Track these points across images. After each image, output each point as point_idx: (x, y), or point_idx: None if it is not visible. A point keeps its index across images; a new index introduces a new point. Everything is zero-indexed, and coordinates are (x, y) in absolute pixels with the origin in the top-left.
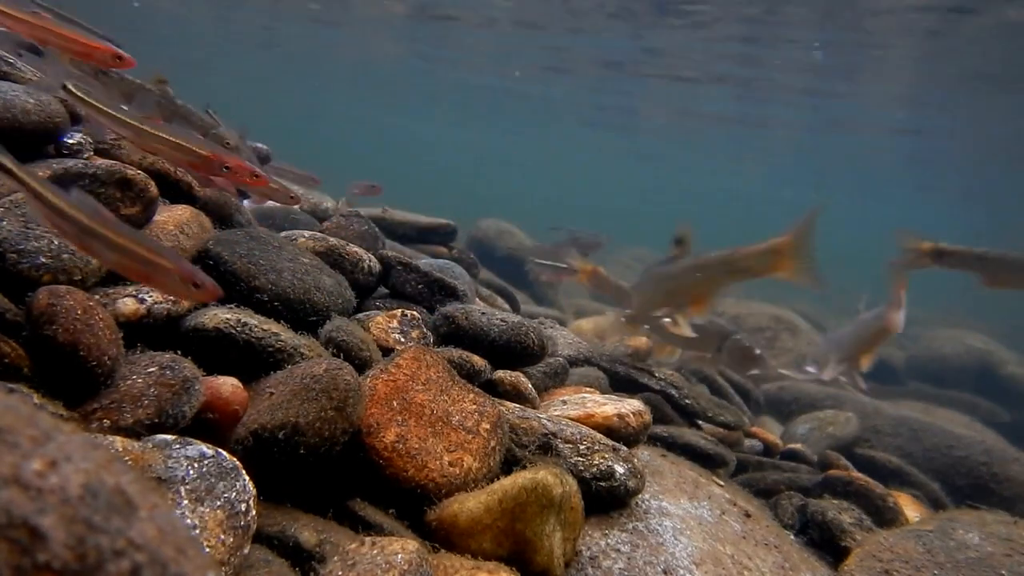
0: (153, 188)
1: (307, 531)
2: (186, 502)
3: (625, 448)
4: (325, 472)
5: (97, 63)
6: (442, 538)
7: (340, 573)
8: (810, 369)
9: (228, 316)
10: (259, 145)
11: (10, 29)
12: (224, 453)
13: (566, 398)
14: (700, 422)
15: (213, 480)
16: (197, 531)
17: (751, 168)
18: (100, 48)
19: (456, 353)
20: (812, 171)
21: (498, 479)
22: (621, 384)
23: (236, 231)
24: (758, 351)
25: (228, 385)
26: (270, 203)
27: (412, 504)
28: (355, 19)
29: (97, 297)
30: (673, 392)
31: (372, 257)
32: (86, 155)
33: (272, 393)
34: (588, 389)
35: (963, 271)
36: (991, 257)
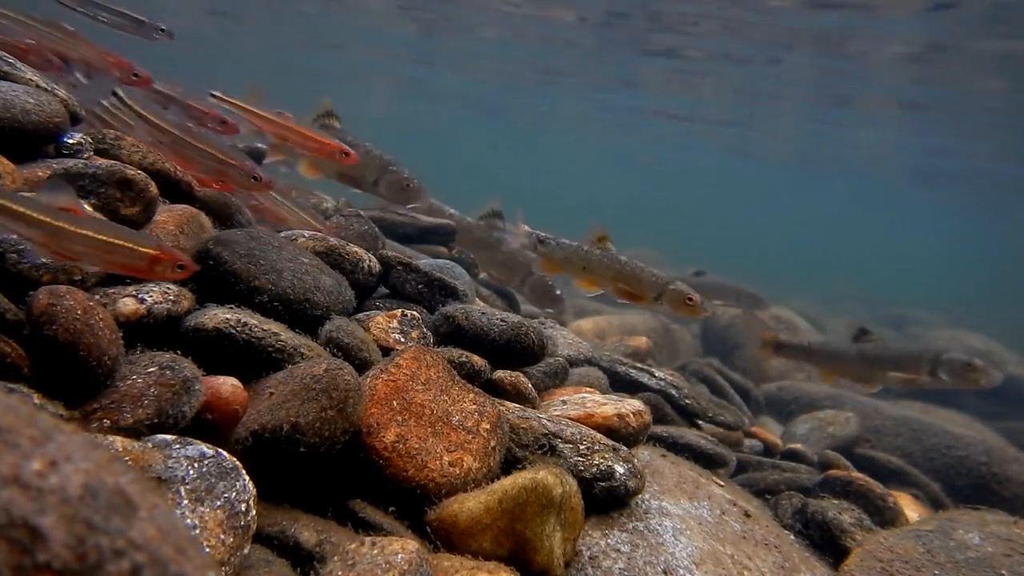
0: (153, 188)
1: (307, 531)
2: (186, 502)
3: (625, 448)
4: (325, 472)
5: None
6: (442, 538)
7: (340, 573)
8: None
9: (228, 316)
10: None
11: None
12: (224, 453)
13: (566, 398)
14: (700, 422)
15: (213, 480)
16: (197, 531)
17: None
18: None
19: (456, 353)
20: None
21: (498, 479)
22: (621, 384)
23: (236, 231)
24: (558, 292)
25: (228, 385)
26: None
27: (412, 504)
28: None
29: (97, 297)
30: (673, 392)
31: (372, 257)
32: (86, 155)
33: (272, 393)
34: (588, 389)
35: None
36: (816, 350)
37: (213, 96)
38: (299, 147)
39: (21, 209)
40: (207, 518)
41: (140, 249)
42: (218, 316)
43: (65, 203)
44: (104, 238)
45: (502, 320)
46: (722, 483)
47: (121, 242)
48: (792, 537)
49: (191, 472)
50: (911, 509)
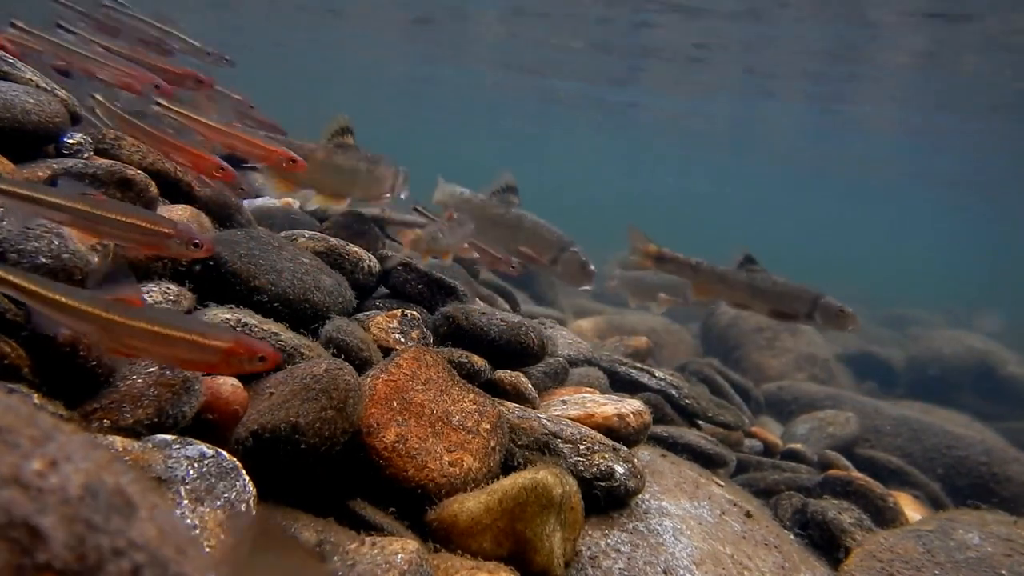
0: (153, 188)
1: (307, 531)
2: (186, 502)
3: (625, 448)
4: (325, 472)
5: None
6: (442, 538)
7: (340, 573)
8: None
9: (228, 316)
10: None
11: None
12: (224, 453)
13: (566, 398)
14: (700, 422)
15: (213, 480)
16: (197, 531)
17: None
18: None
19: (456, 353)
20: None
21: (498, 479)
22: (621, 384)
23: (236, 231)
24: (592, 267)
25: (228, 385)
26: (269, 203)
27: (412, 504)
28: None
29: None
30: (673, 392)
31: (372, 257)
32: (86, 155)
33: (272, 393)
34: (588, 389)
35: (679, 276)
36: (704, 268)
37: (157, 104)
38: (246, 156)
39: (76, 304)
40: (207, 518)
41: (212, 344)
42: (218, 316)
43: (125, 294)
44: (170, 332)
45: (502, 320)
46: (722, 483)
47: (190, 336)
48: (792, 537)
49: (191, 472)
50: (911, 509)
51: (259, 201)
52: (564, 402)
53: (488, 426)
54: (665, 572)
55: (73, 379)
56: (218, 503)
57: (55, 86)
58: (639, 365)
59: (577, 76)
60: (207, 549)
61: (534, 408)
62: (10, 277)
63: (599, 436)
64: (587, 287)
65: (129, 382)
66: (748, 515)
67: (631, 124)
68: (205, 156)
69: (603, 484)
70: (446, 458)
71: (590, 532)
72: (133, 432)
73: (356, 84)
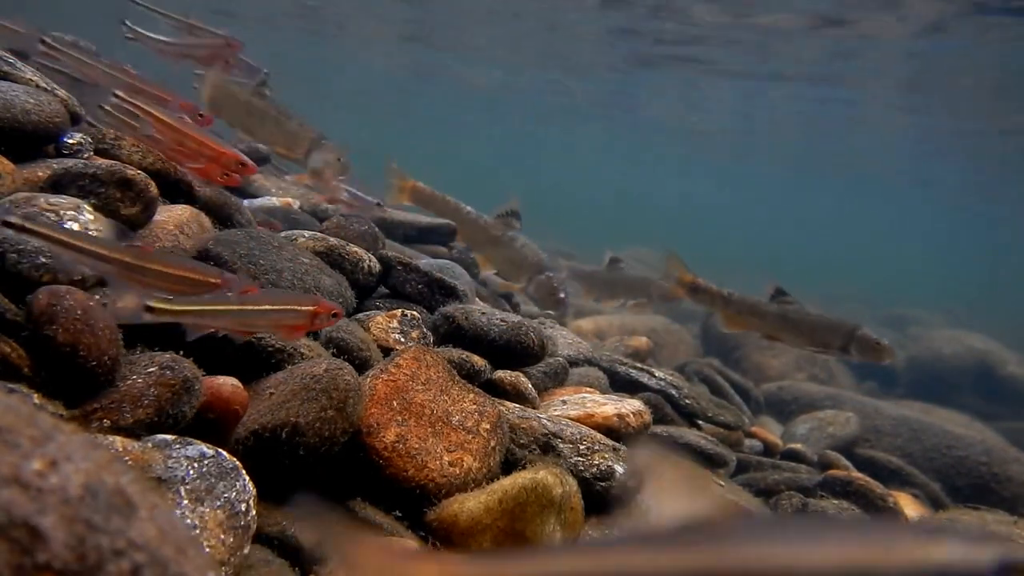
0: (153, 188)
1: (307, 531)
2: (186, 502)
3: (625, 448)
4: (325, 472)
5: None
6: (442, 538)
7: (340, 573)
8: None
9: None
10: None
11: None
12: (224, 453)
13: (566, 398)
14: (700, 422)
15: (213, 480)
16: (197, 531)
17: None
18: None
19: (456, 353)
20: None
21: (498, 479)
22: (621, 384)
23: (236, 231)
24: (562, 295)
25: (228, 385)
26: (269, 203)
27: (412, 504)
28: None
29: (97, 297)
30: (673, 392)
31: (372, 257)
32: (86, 155)
33: (272, 393)
34: (588, 389)
35: (711, 308)
36: (735, 299)
37: (115, 96)
38: (195, 155)
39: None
40: (207, 518)
41: (302, 308)
42: None
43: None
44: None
45: (502, 320)
46: (722, 483)
47: (287, 306)
48: None
49: (191, 472)
50: (911, 509)
51: (259, 201)
52: (564, 402)
53: (488, 426)
54: None
55: (73, 379)
56: (218, 503)
57: (55, 86)
58: (639, 365)
59: (580, 72)
60: (207, 549)
61: (534, 408)
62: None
63: (599, 436)
64: (552, 312)
65: (129, 382)
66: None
67: (631, 124)
68: (226, 151)
69: (603, 484)
70: (446, 458)
71: (590, 532)
72: (133, 432)
73: (352, 82)
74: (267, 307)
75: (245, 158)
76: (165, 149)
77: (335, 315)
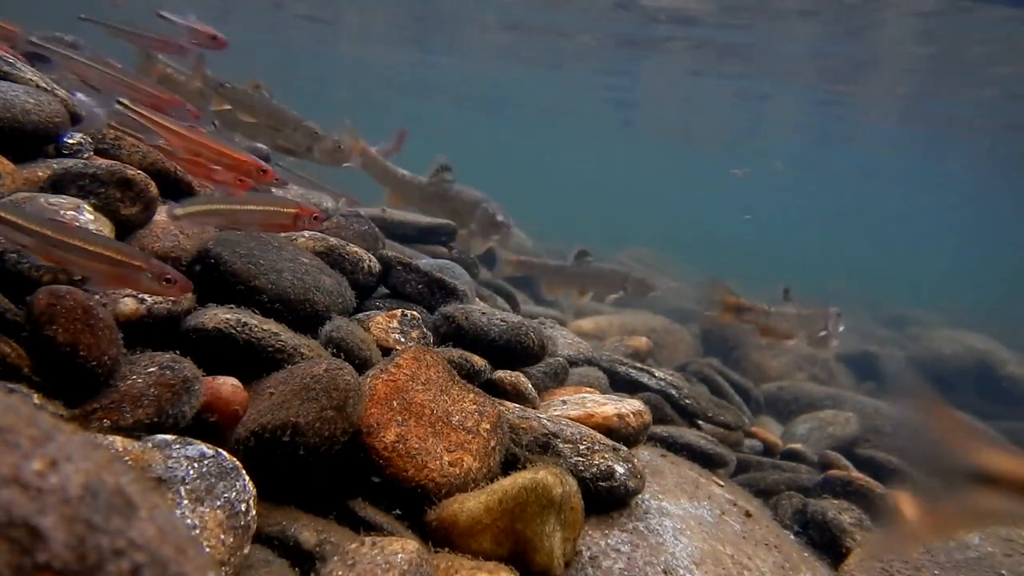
0: (153, 188)
1: (307, 531)
2: (186, 502)
3: (625, 448)
4: (325, 472)
5: None
6: (442, 538)
7: (340, 573)
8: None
9: (228, 316)
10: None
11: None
12: (224, 453)
13: (566, 398)
14: (700, 422)
15: (213, 480)
16: (197, 531)
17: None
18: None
19: (456, 353)
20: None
21: (498, 479)
22: (621, 384)
23: (236, 231)
24: (501, 218)
25: (228, 385)
26: None
27: (412, 504)
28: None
29: (97, 297)
30: (673, 392)
31: (372, 257)
32: (86, 155)
33: (272, 393)
34: (588, 389)
35: (755, 325)
36: (774, 314)
37: (119, 103)
38: (212, 163)
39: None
40: (207, 518)
41: (284, 210)
42: (218, 316)
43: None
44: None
45: (502, 320)
46: (722, 483)
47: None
48: (792, 537)
49: (191, 472)
50: (912, 509)
51: None
52: (564, 402)
53: (488, 426)
54: (665, 572)
55: (73, 379)
56: (218, 503)
57: (55, 86)
58: (639, 365)
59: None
60: (207, 549)
61: (534, 408)
62: None
63: (599, 436)
64: (496, 237)
65: (129, 382)
66: (748, 515)
67: (631, 122)
68: (245, 158)
69: (603, 484)
70: (446, 458)
71: (590, 532)
72: (133, 432)
73: (350, 76)
74: (254, 207)
75: (264, 164)
76: (183, 162)
77: (316, 218)
